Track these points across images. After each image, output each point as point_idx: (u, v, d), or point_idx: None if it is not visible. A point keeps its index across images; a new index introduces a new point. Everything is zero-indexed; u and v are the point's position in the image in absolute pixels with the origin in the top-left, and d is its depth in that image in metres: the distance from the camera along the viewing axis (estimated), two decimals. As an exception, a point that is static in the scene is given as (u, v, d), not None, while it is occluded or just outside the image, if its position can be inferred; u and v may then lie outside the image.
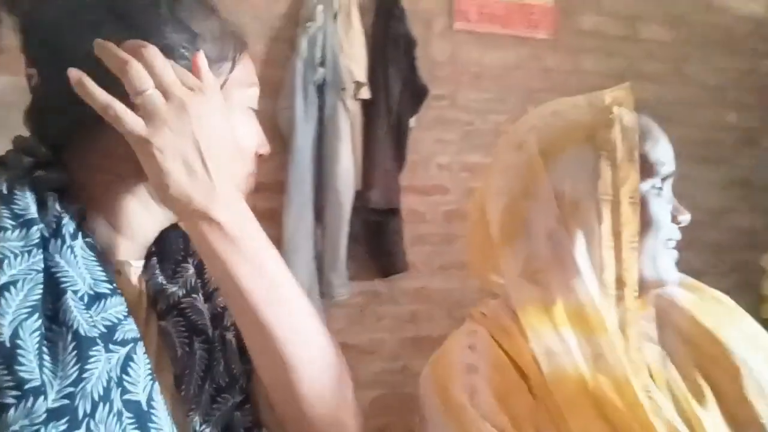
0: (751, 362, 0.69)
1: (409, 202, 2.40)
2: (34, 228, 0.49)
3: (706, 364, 0.70)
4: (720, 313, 0.75)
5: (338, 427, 0.60)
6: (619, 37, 2.79)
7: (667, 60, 2.83)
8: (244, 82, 0.61)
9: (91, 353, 0.48)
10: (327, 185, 2.18)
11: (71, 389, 0.46)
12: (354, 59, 2.26)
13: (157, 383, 0.53)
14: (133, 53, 0.49)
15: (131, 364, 0.51)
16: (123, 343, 0.51)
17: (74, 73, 0.48)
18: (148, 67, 0.49)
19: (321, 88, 2.20)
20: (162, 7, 0.54)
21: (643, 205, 0.67)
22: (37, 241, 0.49)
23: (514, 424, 0.64)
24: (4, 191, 0.50)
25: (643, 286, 0.68)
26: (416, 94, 2.38)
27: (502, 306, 0.74)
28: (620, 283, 0.67)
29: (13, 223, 0.48)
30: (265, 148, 0.66)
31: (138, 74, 0.48)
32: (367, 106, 2.29)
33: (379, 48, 2.33)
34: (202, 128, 0.51)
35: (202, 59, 0.53)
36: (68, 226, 0.51)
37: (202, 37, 0.56)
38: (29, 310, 0.46)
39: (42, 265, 0.48)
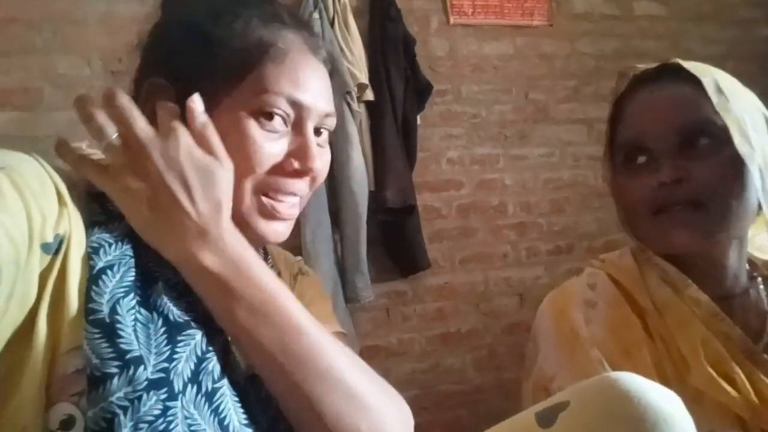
0: None
1: (424, 199, 2.39)
2: (124, 222, 0.52)
3: None
4: None
5: None
6: (613, 17, 2.81)
7: (662, 36, 2.84)
8: (259, 89, 0.58)
9: (179, 338, 0.50)
10: (341, 189, 2.17)
11: (166, 365, 0.48)
12: (355, 63, 2.26)
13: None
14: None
15: (230, 348, 0.55)
16: (221, 331, 0.54)
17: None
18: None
19: (325, 94, 2.19)
20: None
21: None
22: (127, 231, 0.52)
23: (623, 353, 0.68)
24: (94, 191, 0.53)
25: None
26: (420, 92, 2.39)
27: (625, 252, 0.81)
28: None
29: (105, 217, 0.53)
30: (301, 164, 0.60)
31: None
32: (372, 107, 2.29)
33: (378, 49, 2.33)
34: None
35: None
36: None
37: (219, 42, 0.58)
38: (125, 289, 0.49)
39: (132, 253, 0.52)
